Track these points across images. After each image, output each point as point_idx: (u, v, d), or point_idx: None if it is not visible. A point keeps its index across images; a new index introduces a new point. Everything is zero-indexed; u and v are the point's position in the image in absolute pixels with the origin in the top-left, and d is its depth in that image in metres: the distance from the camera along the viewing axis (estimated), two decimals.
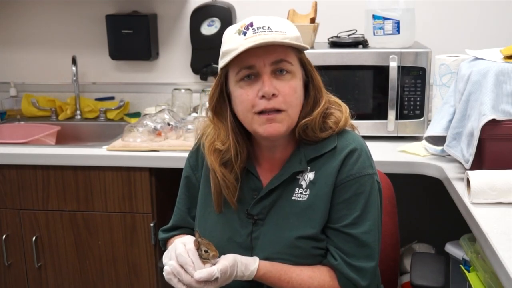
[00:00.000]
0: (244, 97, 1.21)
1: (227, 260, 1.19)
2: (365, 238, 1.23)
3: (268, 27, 1.18)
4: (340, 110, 1.30)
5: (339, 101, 1.33)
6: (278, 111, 1.20)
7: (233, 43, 1.19)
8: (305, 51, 1.26)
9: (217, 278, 1.15)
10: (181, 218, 1.41)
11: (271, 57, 1.19)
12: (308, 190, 1.26)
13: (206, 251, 1.18)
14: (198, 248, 1.18)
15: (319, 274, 1.25)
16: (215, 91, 1.27)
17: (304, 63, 1.26)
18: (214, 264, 1.17)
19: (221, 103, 1.28)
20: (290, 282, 1.23)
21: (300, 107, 1.25)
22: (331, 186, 1.24)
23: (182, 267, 1.16)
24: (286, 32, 1.19)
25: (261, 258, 1.25)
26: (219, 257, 1.20)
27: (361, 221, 1.23)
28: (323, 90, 1.29)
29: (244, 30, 1.19)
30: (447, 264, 1.59)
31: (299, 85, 1.24)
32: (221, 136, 1.28)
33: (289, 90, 1.20)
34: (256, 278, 1.23)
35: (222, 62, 1.22)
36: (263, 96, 1.19)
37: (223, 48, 1.23)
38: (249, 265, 1.22)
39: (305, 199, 1.26)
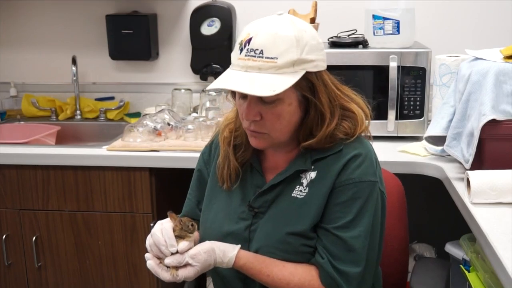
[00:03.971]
0: (239, 109, 1.26)
1: (201, 246, 1.23)
2: (353, 243, 1.22)
3: (261, 51, 1.16)
4: (355, 119, 1.28)
5: (355, 108, 1.28)
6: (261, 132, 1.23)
7: (233, 55, 1.22)
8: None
9: (189, 264, 1.20)
10: (191, 209, 1.45)
11: None
12: (308, 188, 1.27)
13: (192, 225, 1.24)
14: (182, 225, 1.23)
15: (301, 272, 1.25)
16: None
17: (301, 87, 1.21)
18: (192, 240, 1.23)
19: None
20: (270, 276, 1.24)
21: (288, 127, 1.24)
22: (329, 187, 1.24)
23: (156, 245, 1.21)
24: (278, 59, 1.16)
25: (253, 250, 1.27)
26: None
27: (352, 225, 1.23)
28: (328, 110, 1.23)
29: (242, 47, 1.19)
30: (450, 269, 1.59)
31: (287, 110, 1.21)
32: (236, 123, 1.33)
33: (271, 117, 1.21)
34: (236, 267, 1.25)
35: (212, 84, 1.25)
36: None
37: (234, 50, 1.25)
38: (227, 251, 1.24)
39: (303, 196, 1.27)
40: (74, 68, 2.64)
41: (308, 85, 1.21)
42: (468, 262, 1.70)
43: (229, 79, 1.19)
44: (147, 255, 1.25)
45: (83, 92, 2.74)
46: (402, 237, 1.64)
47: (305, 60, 1.19)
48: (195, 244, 1.25)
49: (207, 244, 1.24)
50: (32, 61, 2.80)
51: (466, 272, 1.65)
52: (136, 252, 2.19)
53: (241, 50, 1.19)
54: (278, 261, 1.25)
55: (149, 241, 1.24)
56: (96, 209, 2.17)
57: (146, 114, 2.36)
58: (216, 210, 1.36)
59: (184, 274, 1.20)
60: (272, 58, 1.16)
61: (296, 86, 1.19)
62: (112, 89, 2.76)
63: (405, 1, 2.18)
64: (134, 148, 2.14)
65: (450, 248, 2.00)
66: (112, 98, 2.75)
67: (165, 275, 1.21)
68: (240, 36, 1.22)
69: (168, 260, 1.20)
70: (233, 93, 1.30)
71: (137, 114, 2.65)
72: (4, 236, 2.23)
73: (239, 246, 1.26)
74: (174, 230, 1.22)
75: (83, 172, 2.14)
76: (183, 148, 2.12)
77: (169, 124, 2.25)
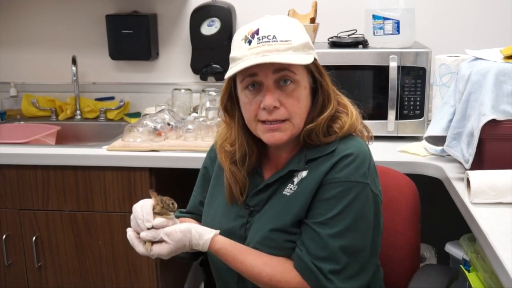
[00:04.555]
0: (248, 106, 1.25)
1: (178, 226, 1.26)
2: (328, 241, 1.21)
3: (274, 36, 1.19)
4: (348, 114, 1.30)
5: (348, 105, 1.32)
6: (282, 120, 1.23)
7: (238, 51, 1.22)
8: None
9: (164, 240, 1.23)
10: (194, 205, 1.49)
11: (273, 65, 1.19)
12: (297, 186, 1.28)
13: (172, 203, 1.27)
14: (163, 204, 1.26)
15: (275, 263, 1.25)
16: (225, 95, 1.31)
17: (311, 70, 1.25)
18: (171, 219, 1.26)
19: (231, 105, 1.32)
20: (244, 264, 1.25)
21: (306, 114, 1.26)
22: (316, 184, 1.25)
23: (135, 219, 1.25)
24: (292, 41, 1.20)
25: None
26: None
27: (332, 223, 1.22)
28: (332, 95, 1.28)
29: (250, 38, 1.20)
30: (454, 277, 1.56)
31: (304, 94, 1.24)
32: (232, 137, 1.34)
33: (292, 102, 1.22)
34: (212, 250, 1.27)
35: (228, 72, 1.24)
36: (265, 108, 1.21)
37: (231, 53, 1.25)
38: (203, 234, 1.26)
39: (291, 193, 1.28)
40: (74, 68, 2.64)
41: (316, 69, 1.26)
42: (468, 262, 1.70)
43: (249, 64, 1.18)
44: (128, 228, 1.28)
45: (83, 92, 2.74)
46: (412, 243, 1.62)
47: (311, 46, 1.25)
48: None
49: (185, 225, 1.27)
50: (32, 61, 2.80)
51: (466, 272, 1.65)
52: (136, 252, 2.18)
53: (250, 41, 1.19)
54: (255, 250, 1.27)
55: (129, 233, 1.28)
56: (96, 209, 2.17)
57: (146, 114, 2.36)
58: (216, 208, 1.39)
59: (158, 250, 1.24)
60: (286, 40, 1.19)
61: (309, 69, 1.24)
62: (112, 89, 2.76)
63: (405, 1, 2.18)
64: (134, 148, 2.14)
65: (450, 248, 2.00)
66: (112, 98, 2.75)
67: (140, 248, 1.25)
68: (240, 34, 1.23)
69: (143, 234, 1.23)
70: (226, 107, 1.31)
71: (137, 114, 2.65)
72: (4, 236, 2.23)
73: (217, 231, 1.28)
74: (154, 208, 1.25)
75: (83, 172, 2.14)
76: (183, 148, 2.12)
77: (169, 124, 2.25)
